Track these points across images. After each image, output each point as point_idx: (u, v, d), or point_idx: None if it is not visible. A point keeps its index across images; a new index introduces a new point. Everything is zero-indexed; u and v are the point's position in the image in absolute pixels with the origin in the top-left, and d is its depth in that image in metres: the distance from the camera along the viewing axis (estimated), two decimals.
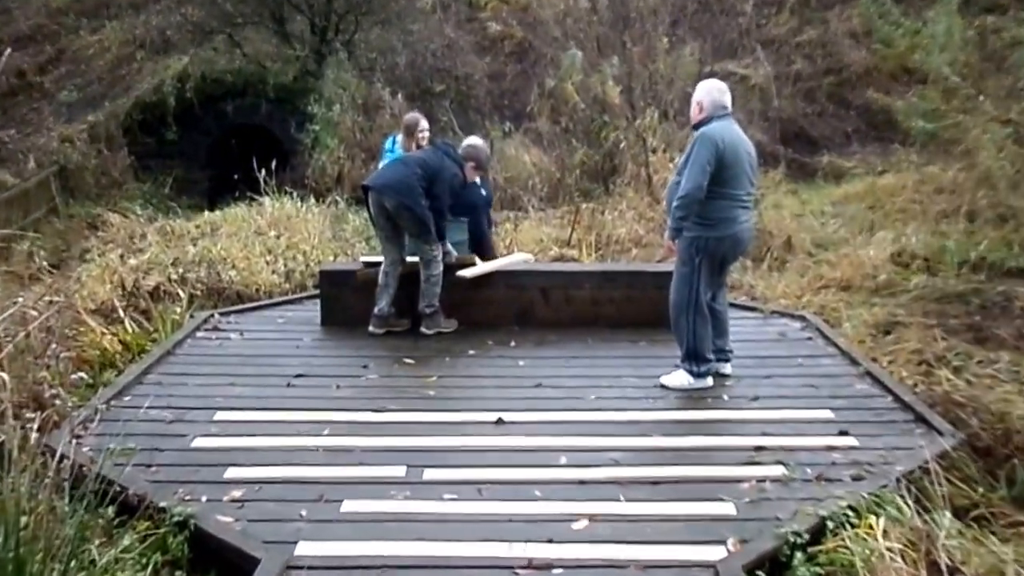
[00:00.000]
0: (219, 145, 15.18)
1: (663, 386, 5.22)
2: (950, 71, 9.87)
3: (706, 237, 5.00)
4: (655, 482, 4.04)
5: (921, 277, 8.17)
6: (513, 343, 6.11)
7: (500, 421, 4.71)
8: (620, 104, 13.08)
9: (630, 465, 4.21)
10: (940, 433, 4.53)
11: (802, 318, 6.66)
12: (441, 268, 6.11)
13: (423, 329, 6.14)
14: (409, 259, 6.26)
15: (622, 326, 6.25)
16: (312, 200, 11.23)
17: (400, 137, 7.41)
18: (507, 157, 13.59)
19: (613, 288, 6.41)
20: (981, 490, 4.09)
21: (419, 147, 7.03)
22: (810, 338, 6.22)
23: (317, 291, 6.89)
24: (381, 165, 7.14)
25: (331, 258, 8.99)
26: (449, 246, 6.27)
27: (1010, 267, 8.25)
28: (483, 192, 6.87)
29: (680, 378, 5.22)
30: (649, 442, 4.48)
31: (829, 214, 10.95)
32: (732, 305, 6.73)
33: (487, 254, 6.80)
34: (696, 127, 5.04)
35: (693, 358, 5.20)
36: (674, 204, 4.94)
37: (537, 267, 6.81)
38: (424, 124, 7.28)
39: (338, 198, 12.01)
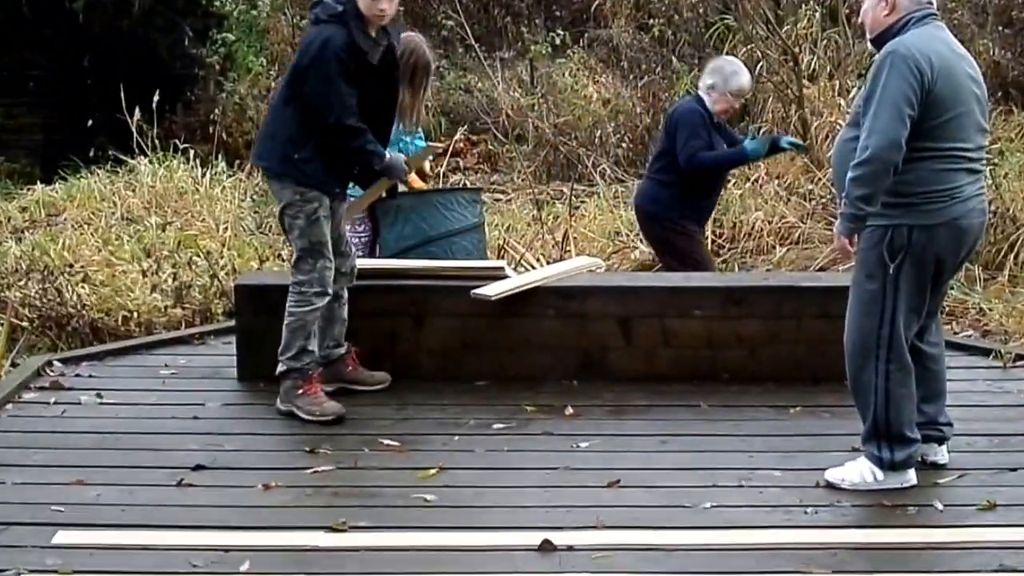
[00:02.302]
0: (62, 69, 15.10)
1: (830, 485, 5.15)
2: None
3: (908, 227, 4.93)
4: None
5: None
6: (570, 410, 6.05)
7: (547, 546, 4.58)
8: None
9: None
10: None
11: None
12: (319, 278, 5.92)
13: (278, 404, 6.06)
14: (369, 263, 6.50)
15: (758, 382, 6.18)
16: (222, 163, 11.35)
17: None
18: (558, 90, 13.59)
19: (744, 317, 6.34)
20: None
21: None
22: None
23: (230, 321, 6.95)
24: None
25: (253, 264, 9.05)
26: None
27: None
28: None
29: (860, 471, 5.15)
30: None
31: None
32: (949, 345, 6.64)
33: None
34: (879, 41, 5.01)
35: (884, 437, 5.10)
36: (850, 174, 4.89)
37: (611, 281, 6.88)
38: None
39: None
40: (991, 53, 12.67)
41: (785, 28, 12.35)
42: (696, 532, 4.70)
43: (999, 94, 12.09)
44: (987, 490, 5.02)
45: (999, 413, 5.88)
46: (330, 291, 5.95)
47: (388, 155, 6.04)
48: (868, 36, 5.15)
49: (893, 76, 4.78)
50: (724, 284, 6.93)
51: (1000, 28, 13.57)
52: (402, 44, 6.56)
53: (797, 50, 12.08)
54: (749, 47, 12.46)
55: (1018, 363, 6.62)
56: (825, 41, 12.16)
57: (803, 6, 12.52)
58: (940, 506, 4.90)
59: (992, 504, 4.89)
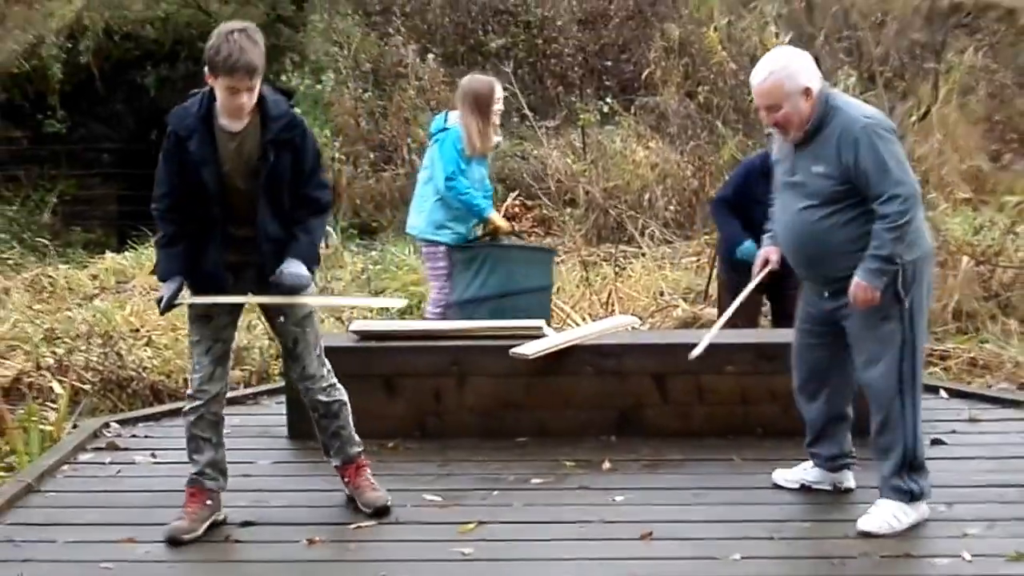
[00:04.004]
0: (135, 143, 15.39)
1: (866, 534, 5.12)
2: None
3: (911, 261, 5.08)
4: None
5: None
6: (607, 465, 6.08)
7: None
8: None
9: None
10: None
11: None
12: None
13: None
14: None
15: (791, 436, 6.05)
16: None
17: (457, 115, 7.49)
18: (608, 155, 13.70)
19: (776, 372, 6.24)
20: None
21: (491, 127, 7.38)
22: None
23: (282, 382, 6.97)
24: (426, 170, 7.42)
25: None
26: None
27: None
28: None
29: (889, 513, 5.16)
30: None
31: None
32: (982, 399, 6.80)
33: None
34: (818, 129, 5.09)
35: (913, 469, 5.19)
36: (891, 232, 4.95)
37: (647, 338, 6.92)
38: (500, 91, 7.49)
39: (331, 225, 12.15)
40: None
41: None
42: None
43: None
44: (1016, 540, 4.98)
45: None
46: (199, 399, 5.34)
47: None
48: (801, 132, 5.10)
49: (884, 141, 4.93)
50: (758, 340, 6.92)
51: None
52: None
53: None
54: None
55: None
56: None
57: (837, 70, 12.52)
58: (968, 556, 4.86)
59: (1021, 555, 4.84)
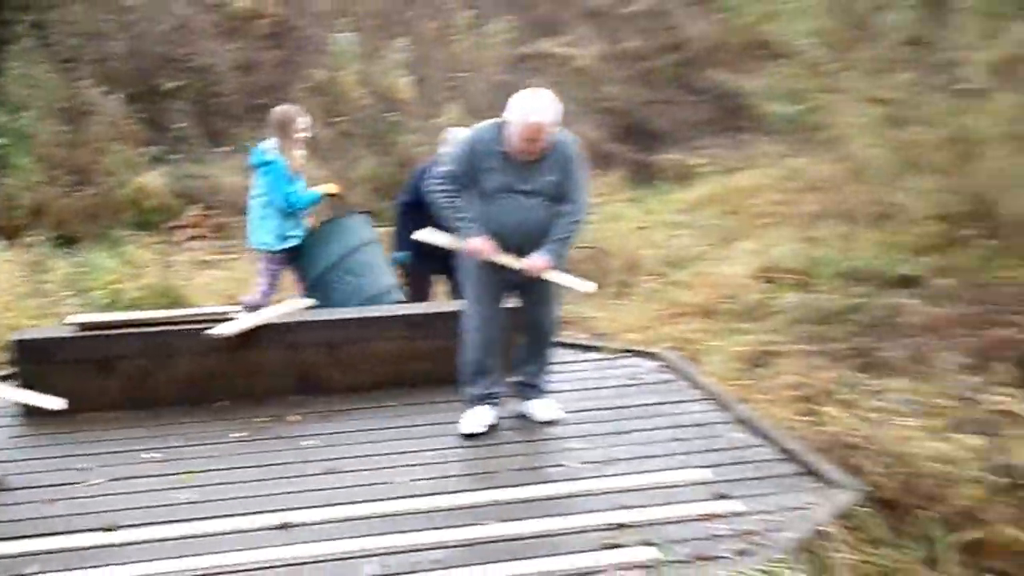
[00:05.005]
0: None
1: (549, 422, 5.73)
2: (809, 42, 10.56)
3: None
4: None
5: (794, 294, 8.64)
6: (294, 418, 6.03)
7: (285, 525, 4.62)
8: (413, 98, 13.20)
9: (459, 566, 4.19)
10: (835, 485, 4.79)
11: (656, 356, 6.90)
12: None
13: None
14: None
15: (441, 384, 6.20)
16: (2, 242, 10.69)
17: (271, 143, 7.34)
18: None
19: (426, 336, 6.42)
20: (889, 552, 4.32)
21: (296, 151, 7.24)
22: (668, 380, 6.46)
23: (13, 369, 6.55)
24: (257, 193, 7.26)
25: (31, 323, 8.51)
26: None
27: (894, 275, 8.86)
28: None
29: (553, 404, 5.86)
30: (482, 531, 4.49)
31: (679, 224, 11.49)
32: (567, 346, 7.02)
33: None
34: (551, 149, 5.36)
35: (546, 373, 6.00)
36: (575, 225, 5.46)
37: (320, 316, 6.70)
38: (303, 118, 7.37)
39: (37, 237, 11.58)
40: (589, 134, 13.15)
41: (435, 120, 12.50)
42: (398, 502, 4.78)
43: (595, 163, 12.83)
44: (606, 451, 5.30)
45: (607, 394, 6.17)
46: None
47: None
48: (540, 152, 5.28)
49: (582, 159, 5.42)
50: (409, 312, 6.84)
51: (594, 114, 14.30)
52: None
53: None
54: (409, 135, 12.93)
55: (619, 356, 6.90)
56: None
57: (447, 104, 12.93)
58: (574, 465, 5.14)
59: (610, 460, 5.15)
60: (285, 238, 7.31)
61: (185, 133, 13.96)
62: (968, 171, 9.97)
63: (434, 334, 6.38)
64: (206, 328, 6.20)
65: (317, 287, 7.28)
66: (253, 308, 6.94)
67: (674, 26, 16.40)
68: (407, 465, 5.24)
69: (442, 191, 5.46)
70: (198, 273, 10.37)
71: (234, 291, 9.07)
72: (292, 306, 6.79)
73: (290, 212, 7.26)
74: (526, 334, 5.80)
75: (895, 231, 10.00)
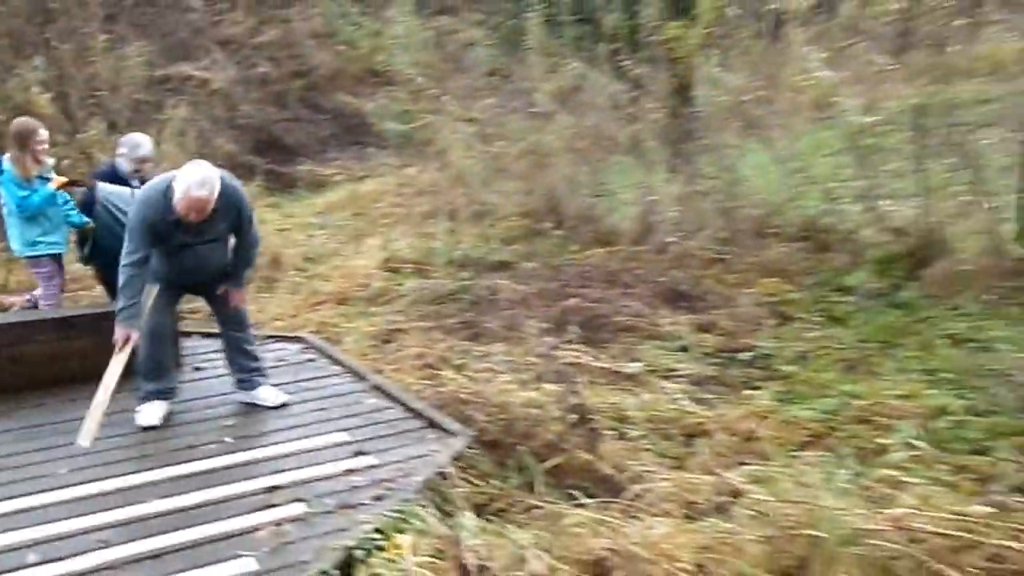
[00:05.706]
0: None
1: (281, 406, 5.50)
2: (414, 72, 10.94)
3: None
4: (157, 555, 3.86)
5: (414, 280, 8.93)
6: None
7: None
8: (54, 115, 12.18)
9: (124, 543, 3.97)
10: (452, 434, 4.97)
11: (300, 339, 6.86)
12: None
13: None
14: None
15: (94, 380, 5.63)
16: None
17: (8, 155, 6.43)
18: None
19: (78, 338, 5.97)
20: (496, 483, 4.58)
21: (38, 162, 6.45)
22: (312, 359, 6.43)
23: None
24: (4, 205, 6.48)
25: None
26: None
27: (491, 261, 9.40)
28: None
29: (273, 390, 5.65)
30: (144, 509, 4.27)
31: (315, 226, 11.46)
32: (220, 336, 6.68)
33: None
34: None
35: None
36: (254, 258, 5.56)
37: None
38: (41, 130, 6.55)
39: None
40: (228, 147, 13.13)
41: (80, 135, 11.84)
42: (58, 492, 4.49)
43: (236, 173, 12.59)
44: (260, 425, 5.22)
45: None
46: None
47: None
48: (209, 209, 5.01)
49: (248, 202, 5.33)
50: (62, 315, 6.32)
51: (231, 130, 14.02)
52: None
53: (91, 151, 11.65)
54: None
55: (267, 341, 6.76)
56: (111, 144, 11.60)
57: (90, 120, 12.11)
58: (231, 440, 5.05)
59: (264, 433, 5.12)
60: (35, 243, 6.57)
61: None
62: (541, 177, 10.74)
63: (87, 333, 5.98)
64: None
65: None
66: (36, 306, 6.62)
67: (300, 54, 16.30)
68: (66, 456, 4.89)
69: (128, 268, 5.05)
70: None
71: None
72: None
73: (31, 216, 6.51)
74: (223, 336, 5.62)
75: (490, 225, 10.59)
